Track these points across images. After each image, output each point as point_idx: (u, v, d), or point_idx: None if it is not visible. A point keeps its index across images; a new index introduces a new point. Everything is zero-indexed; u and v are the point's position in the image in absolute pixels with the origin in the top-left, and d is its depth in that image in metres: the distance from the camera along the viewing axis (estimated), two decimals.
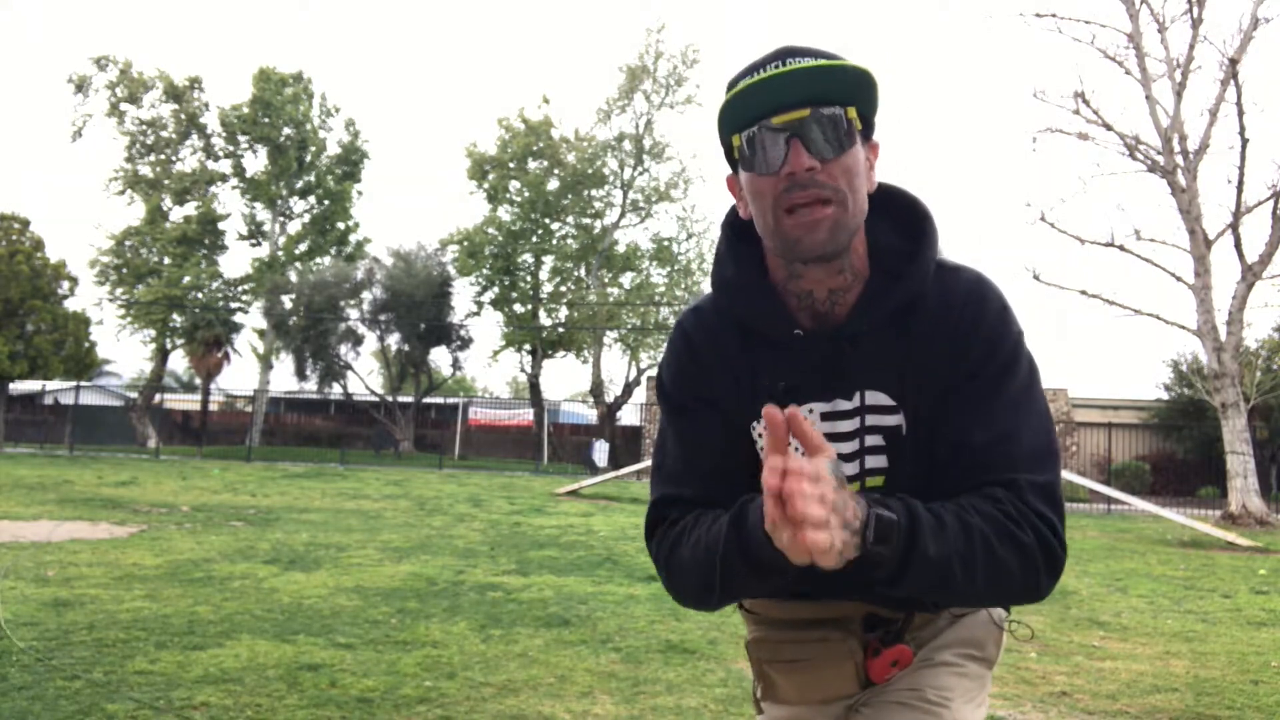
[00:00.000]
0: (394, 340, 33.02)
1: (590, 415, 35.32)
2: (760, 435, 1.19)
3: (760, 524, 0.96)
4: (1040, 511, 1.07)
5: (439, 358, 35.03)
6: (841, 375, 1.14)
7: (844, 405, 1.15)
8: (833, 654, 1.20)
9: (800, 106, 1.02)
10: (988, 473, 1.08)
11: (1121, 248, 17.34)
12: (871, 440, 1.16)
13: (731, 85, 1.08)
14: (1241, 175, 16.03)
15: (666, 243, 33.33)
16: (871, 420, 1.15)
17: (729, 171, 1.16)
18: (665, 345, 1.27)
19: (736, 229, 1.22)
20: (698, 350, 1.20)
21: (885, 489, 1.16)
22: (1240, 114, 15.97)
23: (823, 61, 1.01)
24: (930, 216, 1.17)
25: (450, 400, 40.08)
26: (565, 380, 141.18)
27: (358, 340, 32.91)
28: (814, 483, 0.87)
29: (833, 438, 1.15)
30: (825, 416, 1.16)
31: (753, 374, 1.18)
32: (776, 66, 1.03)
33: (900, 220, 1.17)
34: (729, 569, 1.05)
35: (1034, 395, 1.14)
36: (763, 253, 1.17)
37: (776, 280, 1.15)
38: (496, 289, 33.64)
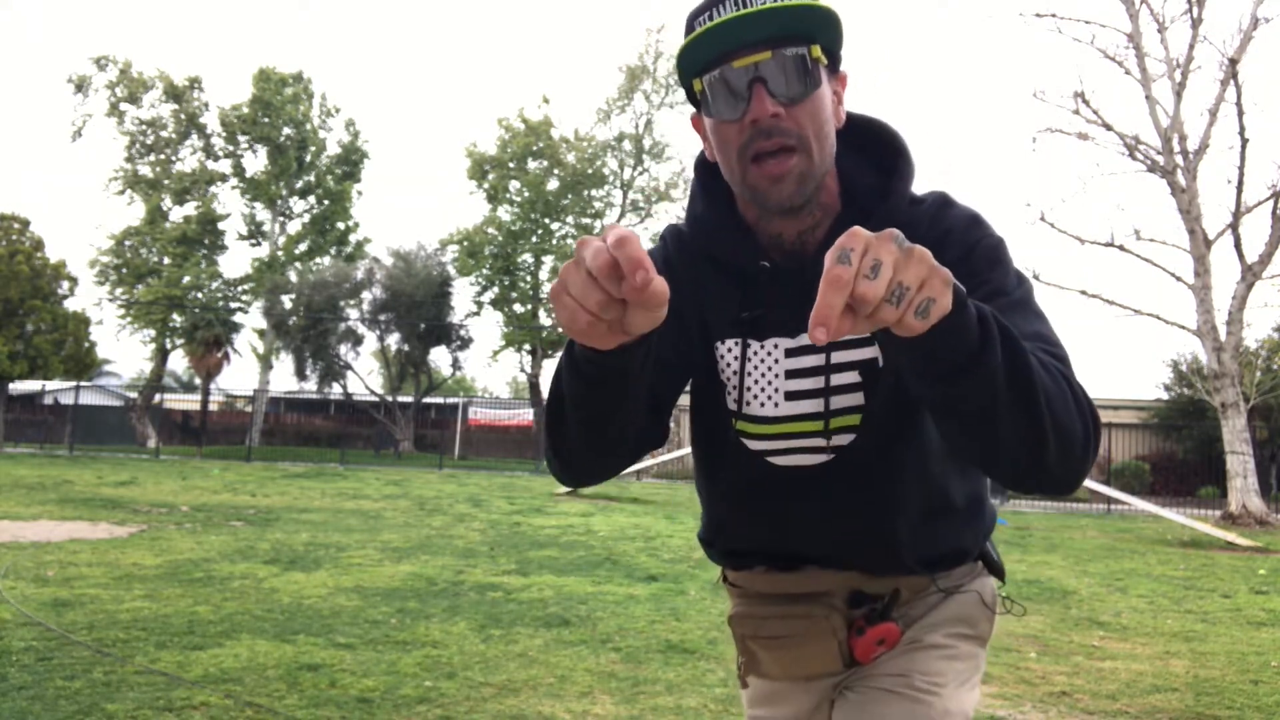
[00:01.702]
0: (394, 340, 33.03)
1: None
2: (720, 362, 1.17)
3: None
4: (1081, 386, 0.94)
5: (439, 358, 35.06)
6: (806, 310, 1.05)
7: (807, 340, 1.10)
8: (816, 631, 1.15)
9: (761, 47, 0.98)
10: None
11: (1121, 248, 17.35)
12: (843, 378, 1.10)
13: (690, 25, 1.04)
14: (1241, 175, 16.04)
15: None
16: (841, 356, 1.10)
17: (694, 112, 1.12)
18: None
19: (708, 168, 1.19)
20: (673, 264, 1.18)
21: (860, 430, 1.10)
22: (1240, 114, 15.98)
23: (779, 4, 0.96)
24: (905, 151, 1.13)
25: (450, 400, 40.09)
26: None
27: (358, 340, 32.91)
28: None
29: (797, 373, 1.12)
30: (790, 353, 1.12)
31: (720, 301, 1.15)
32: (736, 7, 0.98)
33: (874, 155, 1.14)
34: (564, 380, 0.97)
35: (1031, 297, 1.04)
36: (731, 196, 1.14)
37: (747, 218, 1.13)
38: (496, 289, 33.64)
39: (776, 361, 1.13)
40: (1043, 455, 0.87)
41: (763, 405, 1.13)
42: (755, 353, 1.14)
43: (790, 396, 1.13)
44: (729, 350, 1.15)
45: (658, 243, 1.23)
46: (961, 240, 1.06)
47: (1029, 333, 0.95)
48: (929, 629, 1.19)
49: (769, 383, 1.13)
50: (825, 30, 1.00)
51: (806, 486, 1.14)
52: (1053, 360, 0.93)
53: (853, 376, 1.10)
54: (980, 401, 0.83)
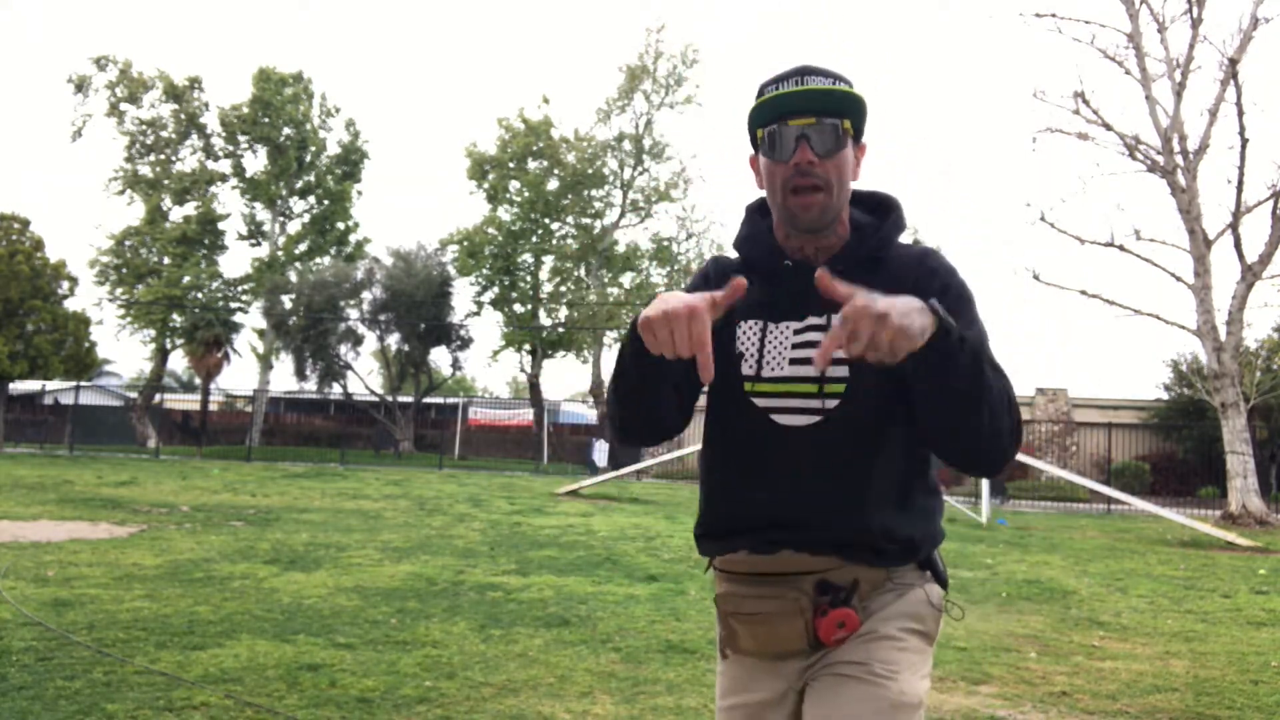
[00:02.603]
0: (394, 340, 33.05)
1: (590, 415, 35.32)
2: (739, 340, 1.47)
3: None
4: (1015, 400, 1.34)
5: (439, 358, 35.09)
6: (813, 302, 1.38)
7: (814, 320, 1.43)
8: (786, 610, 1.35)
9: (809, 115, 1.39)
10: None
11: (1121, 248, 17.35)
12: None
13: (761, 91, 1.44)
14: (1241, 175, 16.05)
15: (666, 243, 33.35)
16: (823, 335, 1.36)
17: (752, 153, 1.51)
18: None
19: (756, 210, 1.59)
20: (710, 279, 1.53)
21: (846, 395, 1.39)
22: (1240, 114, 15.98)
23: (829, 86, 1.39)
24: (896, 205, 1.53)
25: (450, 400, 40.11)
26: (565, 380, 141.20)
27: (358, 340, 32.93)
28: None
29: (800, 346, 1.43)
30: (797, 332, 1.44)
31: (746, 293, 1.34)
32: (796, 83, 1.40)
33: (874, 207, 1.54)
34: (624, 368, 1.38)
35: (986, 334, 1.40)
36: (772, 225, 1.52)
37: (777, 236, 1.50)
38: (496, 289, 33.65)
39: (786, 339, 1.45)
40: (983, 435, 1.27)
41: (774, 370, 1.43)
42: (771, 330, 1.46)
43: (794, 363, 1.43)
44: (751, 328, 1.47)
45: (697, 274, 1.58)
46: (944, 279, 1.43)
47: (982, 335, 1.38)
48: (884, 621, 1.39)
49: (780, 354, 1.44)
50: (855, 112, 1.41)
51: (798, 445, 1.40)
52: (999, 375, 1.30)
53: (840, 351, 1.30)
54: (956, 388, 1.22)
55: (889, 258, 1.46)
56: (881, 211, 1.52)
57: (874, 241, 1.47)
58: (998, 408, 1.26)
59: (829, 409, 1.39)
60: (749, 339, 1.46)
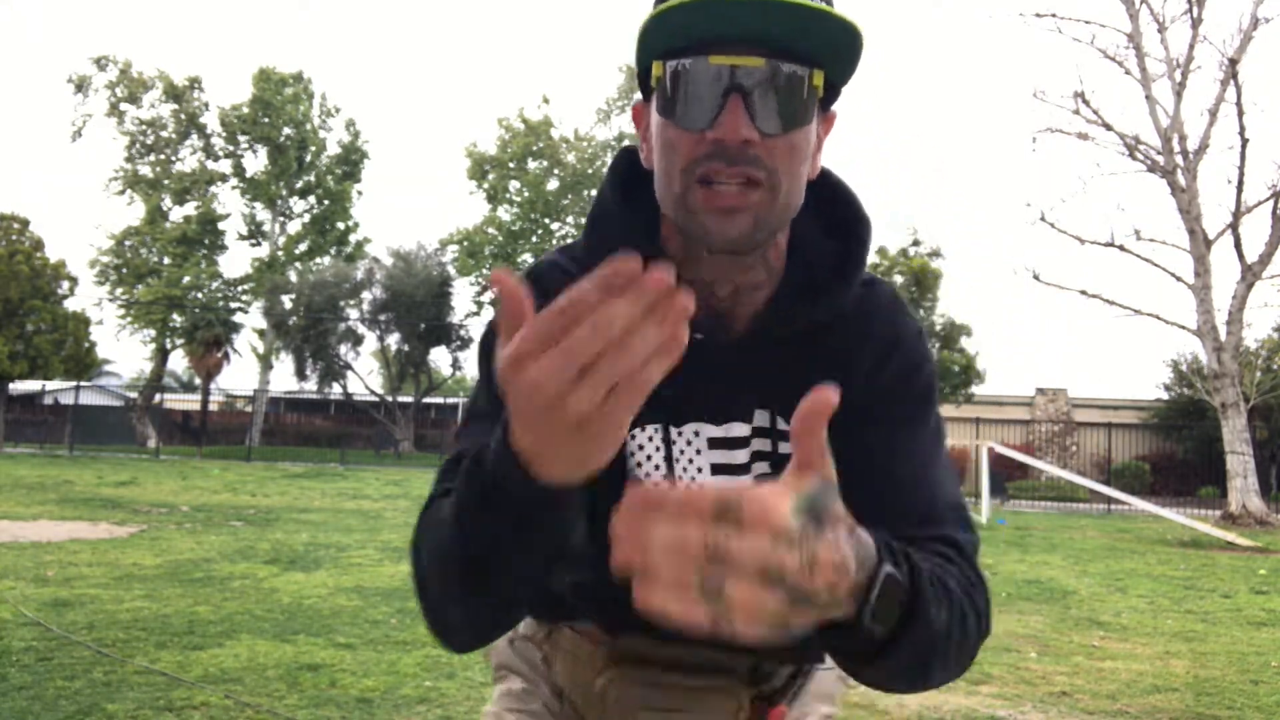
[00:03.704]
0: (394, 340, 33.03)
1: None
2: (634, 456, 0.94)
3: (503, 444, 0.62)
4: (984, 580, 0.85)
5: (439, 358, 35.05)
6: (740, 392, 0.93)
7: (739, 430, 0.94)
8: (713, 710, 0.99)
9: (755, 50, 0.77)
10: (921, 523, 0.85)
11: (1121, 248, 17.37)
12: (758, 468, 0.95)
13: None
14: (1241, 175, 16.06)
15: None
16: (759, 445, 0.95)
17: (638, 99, 0.91)
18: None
19: (629, 178, 0.95)
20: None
21: None
22: (1240, 114, 15.99)
23: (799, 1, 0.74)
24: (868, 222, 0.96)
25: (450, 400, 40.10)
26: None
27: (358, 340, 32.91)
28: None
29: (723, 469, 0.94)
30: (714, 443, 0.94)
31: None
32: None
33: (834, 220, 0.95)
34: (471, 530, 0.69)
35: (944, 436, 0.96)
36: (658, 215, 0.91)
37: (668, 251, 0.90)
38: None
39: (699, 453, 0.94)
40: (936, 686, 0.79)
41: None
42: (676, 441, 0.94)
43: None
44: (648, 439, 0.94)
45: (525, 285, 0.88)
46: (909, 357, 0.94)
47: (947, 499, 0.88)
48: (804, 705, 1.09)
49: (691, 478, 0.94)
50: (839, 58, 0.80)
51: None
52: (962, 574, 0.80)
53: (764, 467, 0.95)
54: (888, 673, 0.72)
55: (842, 315, 0.93)
56: (843, 231, 0.95)
57: (828, 291, 0.91)
58: (950, 665, 0.77)
59: None
60: (648, 455, 0.95)
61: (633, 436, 0.94)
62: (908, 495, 0.88)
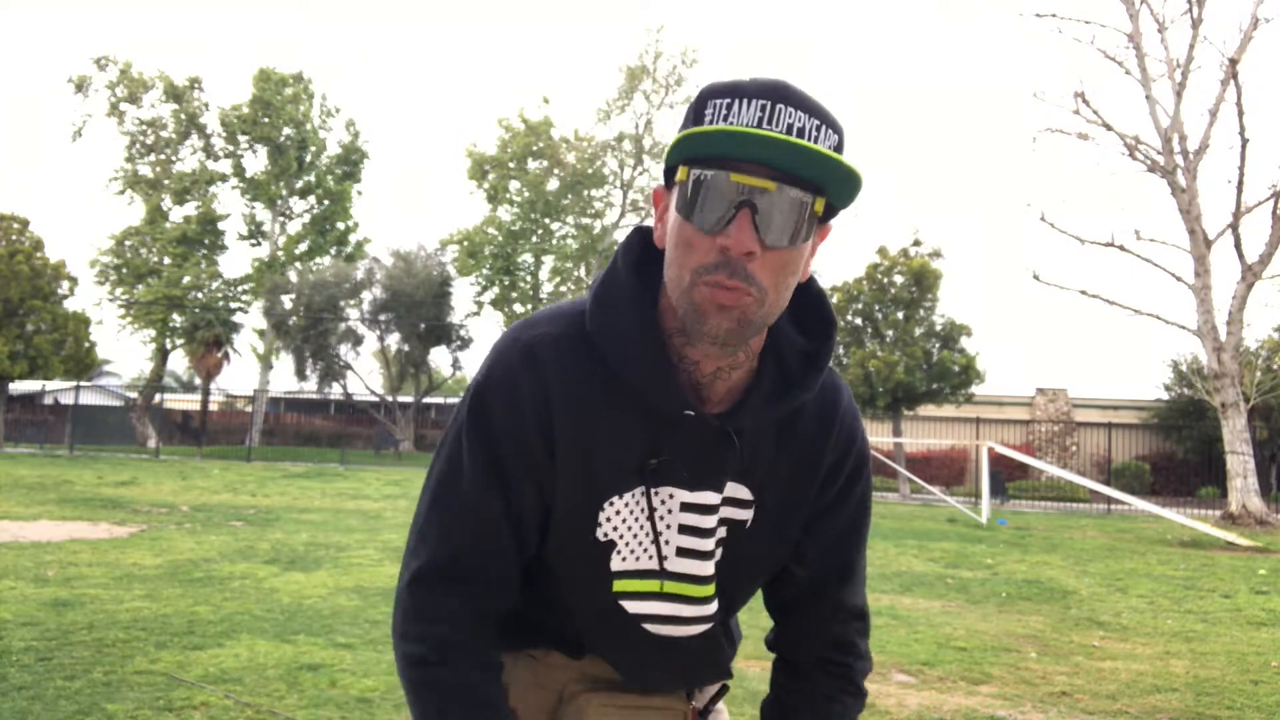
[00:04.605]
0: (394, 340, 33.03)
1: None
2: (609, 523, 1.03)
3: None
4: (865, 679, 1.16)
5: (439, 358, 35.05)
6: (719, 467, 1.02)
7: (710, 499, 1.03)
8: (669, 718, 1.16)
9: (769, 173, 0.88)
10: (842, 598, 1.13)
11: (1121, 248, 17.36)
12: (720, 532, 1.07)
13: (701, 103, 0.93)
14: (1241, 175, 16.06)
15: None
16: (726, 512, 1.06)
17: (660, 185, 1.01)
18: (496, 362, 1.02)
19: (641, 256, 1.04)
20: (550, 394, 0.99)
21: (718, 590, 1.10)
22: (1240, 114, 15.99)
23: (807, 143, 0.86)
24: (836, 324, 1.07)
25: (450, 400, 40.08)
26: None
27: (358, 340, 32.91)
28: None
29: (688, 531, 1.04)
30: (686, 507, 1.03)
31: (616, 446, 1.01)
32: (762, 111, 0.88)
33: (806, 317, 1.06)
34: None
35: (870, 518, 1.17)
36: (657, 295, 1.01)
37: (667, 332, 1.00)
38: (496, 289, 33.66)
39: (670, 512, 1.04)
40: None
41: (666, 559, 1.05)
42: (654, 504, 1.04)
43: (682, 553, 1.05)
44: (625, 505, 1.03)
45: (520, 363, 1.00)
46: (858, 456, 1.11)
47: (859, 607, 1.16)
48: (719, 714, 1.26)
49: (666, 541, 1.05)
50: (840, 192, 0.90)
51: (674, 653, 1.11)
52: (844, 696, 1.15)
53: (722, 531, 1.07)
54: None
55: (806, 404, 1.06)
56: (815, 331, 1.06)
57: (799, 384, 1.03)
58: None
59: (711, 614, 1.09)
60: (624, 519, 1.03)
61: (610, 504, 1.02)
62: (842, 572, 1.12)
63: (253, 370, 47.69)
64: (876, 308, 23.70)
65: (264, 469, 21.13)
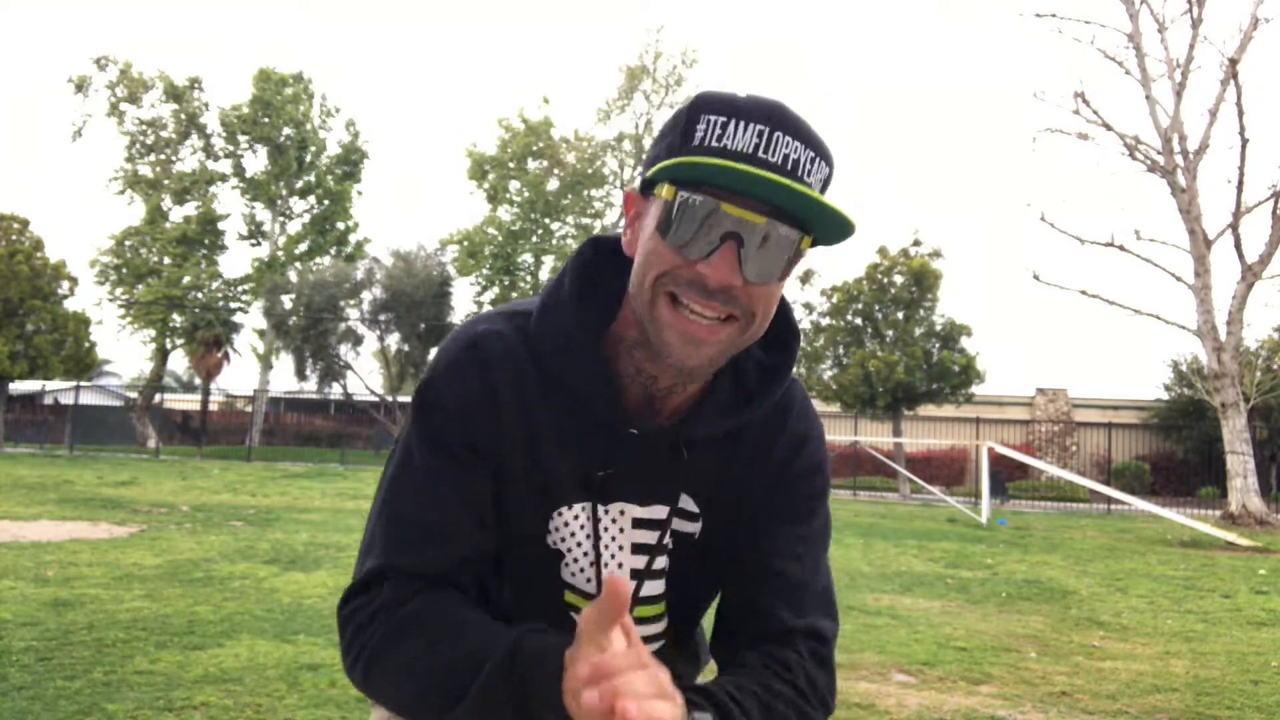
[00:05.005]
0: (394, 340, 33.02)
1: None
2: (557, 532, 1.01)
3: (555, 678, 0.79)
4: (828, 677, 1.01)
5: None
6: (665, 478, 1.00)
7: (660, 513, 1.01)
8: None
9: (761, 209, 0.85)
10: (795, 612, 1.01)
11: (1121, 248, 17.37)
12: (668, 544, 1.05)
13: (693, 117, 0.88)
14: (1241, 175, 16.06)
15: None
16: (677, 525, 1.04)
17: (631, 188, 0.97)
18: (441, 355, 0.99)
19: (593, 266, 1.01)
20: (497, 386, 0.96)
21: (668, 610, 1.07)
22: (1240, 114, 15.99)
23: (811, 193, 0.82)
24: (800, 335, 1.06)
25: None
26: None
27: (358, 340, 32.90)
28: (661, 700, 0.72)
29: (642, 548, 1.02)
30: (637, 523, 1.01)
31: (564, 455, 0.97)
32: (758, 139, 0.84)
33: (772, 333, 1.00)
34: (487, 705, 0.85)
35: (829, 530, 1.09)
36: (613, 303, 0.98)
37: (622, 338, 0.96)
38: (496, 289, 33.66)
39: (622, 531, 1.01)
40: None
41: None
42: (602, 519, 1.01)
43: (636, 574, 1.02)
44: (574, 518, 1.00)
45: (466, 358, 0.96)
46: (814, 456, 1.06)
47: (820, 589, 1.04)
48: None
49: (612, 556, 1.01)
50: (830, 234, 0.88)
51: None
52: (794, 690, 0.96)
53: (670, 545, 1.05)
54: None
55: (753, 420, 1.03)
56: (779, 344, 1.04)
57: (758, 397, 1.01)
58: None
59: (659, 632, 1.06)
60: (573, 532, 1.01)
61: (559, 514, 1.00)
62: (790, 585, 1.01)
63: (253, 370, 47.73)
64: (876, 308, 23.70)
65: (264, 469, 21.13)
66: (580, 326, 0.96)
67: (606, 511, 1.00)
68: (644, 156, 0.93)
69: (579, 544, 1.01)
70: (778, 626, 1.00)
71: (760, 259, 0.86)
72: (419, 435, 0.98)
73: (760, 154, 0.84)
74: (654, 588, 1.04)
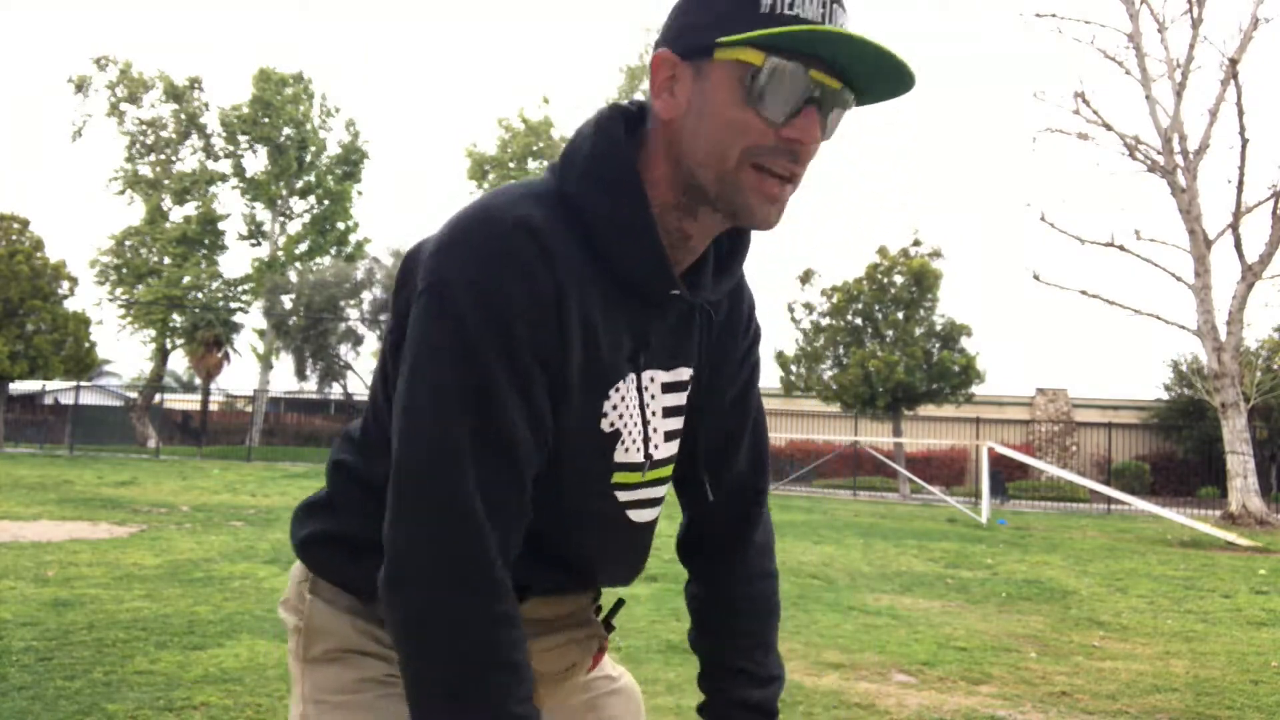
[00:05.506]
0: None
1: None
2: (615, 411, 0.97)
3: None
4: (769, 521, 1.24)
5: None
6: (690, 341, 1.03)
7: (684, 374, 1.04)
8: (585, 654, 1.14)
9: (845, 78, 0.87)
10: (756, 474, 1.17)
11: (1121, 248, 17.37)
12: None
13: None
14: (1241, 175, 16.06)
15: None
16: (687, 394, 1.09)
17: (666, 51, 0.90)
18: (485, 242, 0.88)
19: (628, 128, 0.96)
20: (559, 271, 0.88)
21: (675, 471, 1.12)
22: (1240, 114, 16.00)
23: (901, 59, 0.84)
24: None
25: None
26: None
27: (358, 340, 32.91)
28: None
29: (671, 413, 1.04)
30: (666, 387, 1.02)
31: (614, 331, 0.95)
32: (823, 5, 0.84)
33: None
34: None
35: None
36: (646, 167, 0.94)
37: (660, 210, 0.94)
38: None
39: (654, 397, 1.01)
40: None
41: (656, 447, 1.02)
42: (647, 389, 1.00)
43: (669, 437, 1.05)
44: (621, 394, 0.97)
45: (519, 240, 0.87)
46: (757, 323, 1.15)
47: (765, 436, 1.20)
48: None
49: (654, 428, 1.02)
50: (881, 96, 0.91)
51: (637, 537, 1.09)
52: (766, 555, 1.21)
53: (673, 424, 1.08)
54: None
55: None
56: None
57: (745, 253, 1.06)
58: None
59: (661, 496, 1.10)
60: (625, 408, 0.98)
61: (617, 390, 0.96)
62: (756, 444, 1.16)
63: (253, 370, 47.72)
64: (876, 308, 23.69)
65: (264, 469, 21.13)
66: (643, 201, 0.92)
67: (648, 382, 1.00)
68: (669, 24, 0.92)
69: (632, 419, 0.99)
70: (751, 484, 1.16)
71: (833, 122, 0.91)
72: (466, 358, 0.85)
73: (826, 23, 0.85)
74: (670, 449, 1.07)
